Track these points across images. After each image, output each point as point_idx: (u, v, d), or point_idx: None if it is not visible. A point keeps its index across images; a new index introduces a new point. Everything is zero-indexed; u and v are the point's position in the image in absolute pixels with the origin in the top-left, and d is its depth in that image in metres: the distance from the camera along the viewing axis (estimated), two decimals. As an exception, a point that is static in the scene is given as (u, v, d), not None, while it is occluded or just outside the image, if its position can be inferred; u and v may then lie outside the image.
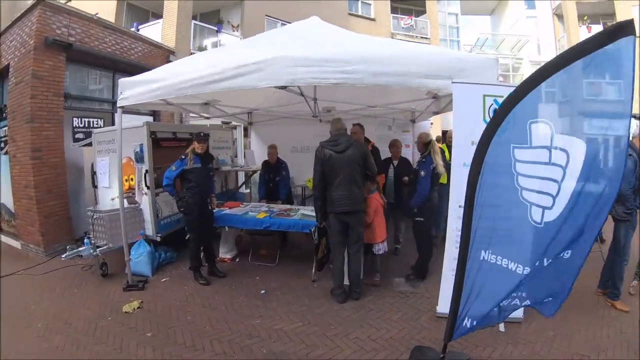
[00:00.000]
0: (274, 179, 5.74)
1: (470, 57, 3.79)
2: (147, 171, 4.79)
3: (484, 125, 3.17)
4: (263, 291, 4.03)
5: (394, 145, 5.02)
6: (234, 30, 11.42)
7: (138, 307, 3.65)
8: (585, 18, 15.75)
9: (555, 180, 1.90)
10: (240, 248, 5.33)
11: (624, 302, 3.57)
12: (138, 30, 9.01)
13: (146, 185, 4.82)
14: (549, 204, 1.93)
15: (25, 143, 5.31)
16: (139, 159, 4.86)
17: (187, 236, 4.50)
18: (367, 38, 4.29)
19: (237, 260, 5.07)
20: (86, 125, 6.27)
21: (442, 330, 3.07)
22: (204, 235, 4.36)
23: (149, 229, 4.85)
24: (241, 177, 8.01)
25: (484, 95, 3.21)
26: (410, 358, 2.78)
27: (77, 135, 6.14)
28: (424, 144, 4.26)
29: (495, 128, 2.08)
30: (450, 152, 5.75)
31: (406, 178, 4.78)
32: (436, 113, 5.98)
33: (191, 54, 9.10)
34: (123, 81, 3.95)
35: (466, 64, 3.29)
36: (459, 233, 3.21)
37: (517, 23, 17.50)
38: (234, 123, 8.02)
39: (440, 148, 4.45)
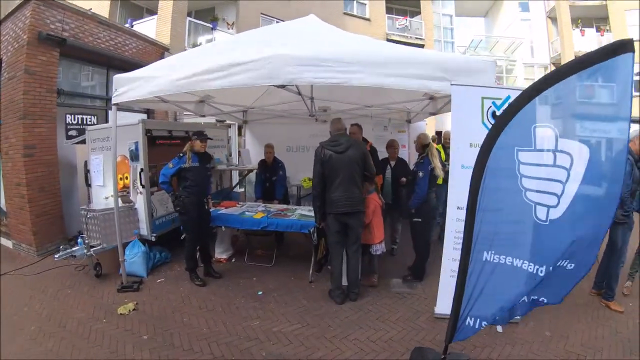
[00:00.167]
0: (270, 179, 5.69)
1: (468, 59, 3.80)
2: (142, 170, 4.71)
3: (483, 128, 3.29)
4: (260, 292, 4.00)
5: (392, 145, 5.02)
6: (229, 28, 11.33)
7: (133, 309, 3.59)
8: (578, 21, 15.92)
9: (560, 181, 1.97)
10: (236, 248, 5.29)
11: (618, 303, 3.64)
12: (132, 26, 8.87)
13: (141, 184, 4.73)
14: (554, 202, 2.00)
15: (18, 140, 5.19)
16: (134, 157, 4.78)
17: (183, 236, 4.44)
18: (365, 39, 4.29)
19: (233, 260, 5.03)
20: (79, 122, 6.15)
21: (440, 331, 3.15)
22: (200, 236, 4.30)
23: (144, 229, 4.78)
24: (235, 176, 7.95)
25: (483, 98, 3.25)
26: (410, 359, 2.78)
27: (70, 133, 6.01)
28: (423, 146, 4.27)
29: (498, 132, 2.10)
30: (446, 153, 5.83)
31: (404, 179, 4.79)
32: (433, 114, 6.01)
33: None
34: (118, 77, 3.88)
35: (465, 66, 3.31)
36: (457, 234, 3.30)
37: (511, 25, 17.66)
38: (228, 122, 7.95)
39: (436, 149, 4.47)
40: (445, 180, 4.33)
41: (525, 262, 2.13)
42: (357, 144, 3.76)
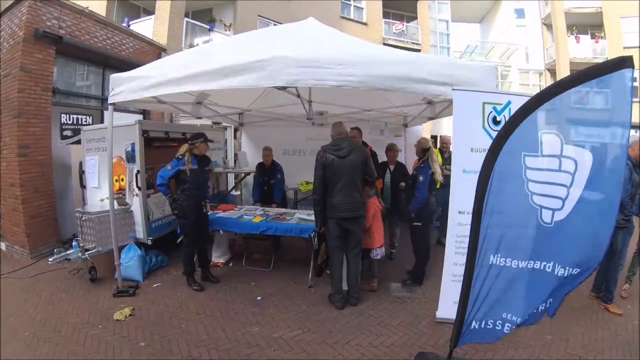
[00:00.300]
0: (268, 182, 5.63)
1: (470, 64, 3.81)
2: (138, 171, 4.64)
3: (483, 133, 3.30)
4: (259, 297, 3.94)
5: (391, 149, 5.01)
6: (226, 30, 11.30)
7: (130, 314, 3.50)
8: (573, 28, 16.14)
9: (565, 185, 2.05)
10: (233, 252, 5.22)
11: (617, 306, 3.69)
12: (129, 26, 8.79)
13: (137, 186, 4.66)
14: (558, 206, 2.07)
15: (12, 139, 5.08)
16: (130, 158, 4.71)
17: (179, 239, 4.38)
18: (366, 42, 4.28)
19: (231, 264, 4.95)
20: (74, 122, 6.05)
21: (442, 335, 3.16)
22: (198, 239, 4.23)
23: (140, 232, 4.70)
24: (231, 179, 7.89)
25: (484, 103, 3.26)
26: (413, 365, 2.76)
27: (64, 132, 5.90)
28: (423, 150, 4.26)
29: (506, 137, 2.14)
30: (443, 157, 5.85)
31: (403, 184, 4.78)
32: (431, 118, 6.01)
33: (182, 52, 8.95)
34: (115, 77, 3.81)
35: (466, 72, 3.32)
36: (458, 239, 3.29)
37: (507, 31, 17.85)
38: (224, 124, 7.89)
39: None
40: (444, 184, 4.36)
41: (530, 262, 2.18)
42: (359, 148, 3.73)
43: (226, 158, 7.16)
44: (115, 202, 4.22)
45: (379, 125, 7.13)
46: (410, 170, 5.12)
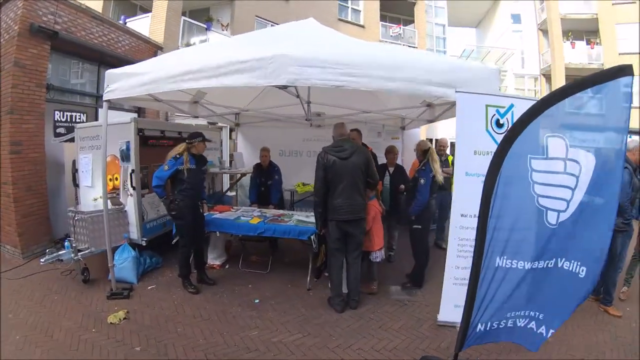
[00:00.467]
0: (265, 183, 5.57)
1: (473, 66, 3.78)
2: (133, 170, 4.53)
3: (487, 135, 3.28)
4: (257, 300, 3.86)
5: (391, 151, 4.98)
6: (223, 30, 11.22)
7: (124, 318, 3.40)
8: (569, 34, 16.28)
9: (569, 187, 2.11)
10: (229, 254, 5.13)
11: (616, 308, 3.72)
12: (125, 23, 8.65)
13: (132, 185, 4.55)
14: (563, 207, 2.13)
15: (4, 136, 4.94)
16: (125, 157, 4.60)
17: (174, 240, 4.28)
18: (368, 43, 4.24)
19: (227, 266, 4.86)
20: (68, 120, 5.93)
21: (445, 338, 3.15)
22: (195, 240, 4.14)
23: (134, 233, 4.59)
24: (226, 180, 7.80)
25: (487, 106, 3.24)
26: (417, 369, 2.72)
27: (58, 130, 5.79)
28: (423, 152, 4.23)
29: (512, 140, 2.15)
30: (440, 160, 5.82)
31: (403, 186, 4.74)
32: (430, 121, 5.99)
33: (179, 51, 8.86)
34: (110, 73, 3.71)
35: (470, 74, 3.29)
36: (460, 242, 3.27)
37: (503, 36, 17.98)
38: (220, 124, 7.80)
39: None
40: (441, 186, 4.33)
41: (536, 263, 2.22)
42: (361, 150, 3.68)
43: (222, 158, 7.09)
44: (108, 201, 4.11)
45: (377, 128, 7.11)
46: (408, 173, 5.11)
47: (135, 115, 7.05)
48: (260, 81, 3.00)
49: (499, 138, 3.25)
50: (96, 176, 4.79)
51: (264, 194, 5.58)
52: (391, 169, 5.00)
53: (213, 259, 4.85)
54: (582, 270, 2.11)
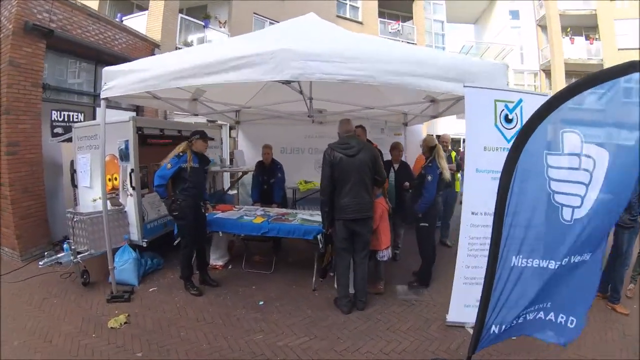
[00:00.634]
0: (268, 181, 5.45)
1: (481, 62, 3.71)
2: (132, 170, 4.43)
3: (495, 131, 3.21)
4: (261, 302, 3.77)
5: (396, 148, 4.89)
6: (221, 27, 11.11)
7: (125, 322, 3.30)
8: (568, 30, 16.27)
9: (583, 183, 2.08)
10: (232, 254, 5.04)
11: (623, 306, 3.67)
12: (122, 21, 8.54)
13: (131, 185, 4.46)
14: (578, 203, 2.10)
15: (0, 136, 4.83)
16: (124, 156, 4.49)
17: (176, 241, 4.19)
18: (372, 37, 4.15)
19: (230, 267, 4.77)
20: (65, 119, 5.82)
21: (454, 339, 3.08)
22: (197, 240, 4.05)
23: (134, 234, 4.49)
24: (226, 178, 7.70)
25: (495, 101, 3.17)
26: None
27: (55, 130, 5.68)
28: (430, 148, 4.15)
29: (528, 135, 2.11)
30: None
31: (407, 184, 4.66)
32: (433, 117, 5.91)
33: (177, 48, 8.76)
34: (108, 70, 3.60)
35: (478, 69, 3.22)
36: (471, 240, 3.19)
37: (502, 32, 17.94)
38: (219, 122, 7.70)
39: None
40: (446, 183, 4.25)
41: (550, 261, 2.18)
42: (368, 147, 3.59)
43: (222, 157, 6.99)
44: (108, 202, 4.02)
45: (379, 124, 7.03)
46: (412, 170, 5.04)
47: (134, 113, 6.99)
48: (264, 77, 2.92)
49: (508, 134, 3.21)
50: (95, 176, 4.70)
51: (267, 192, 5.47)
52: (396, 166, 4.92)
53: (215, 260, 4.76)
54: (593, 261, 2.15)
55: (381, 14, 16.86)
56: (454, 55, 5.01)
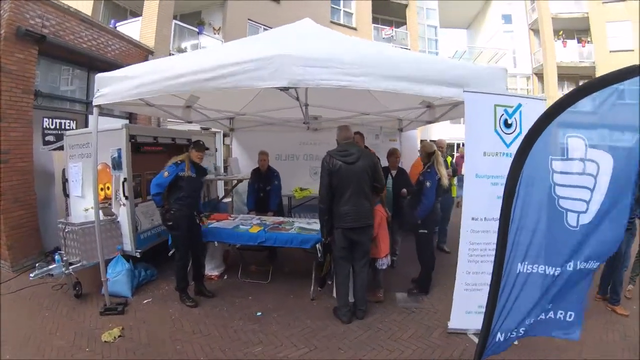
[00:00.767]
0: (264, 189, 5.35)
1: (480, 67, 3.69)
2: (125, 179, 4.34)
3: (495, 136, 3.19)
4: (259, 313, 3.68)
5: (393, 154, 4.85)
6: (215, 33, 11.08)
7: (119, 335, 3.20)
8: (560, 33, 16.48)
9: (588, 188, 2.06)
10: (228, 264, 4.95)
11: (623, 307, 3.69)
12: (115, 27, 8.47)
13: (124, 194, 4.36)
14: (583, 208, 2.08)
15: (-9, 144, 4.73)
16: (117, 165, 4.40)
17: (170, 252, 4.09)
18: (370, 42, 4.12)
19: (225, 277, 4.68)
20: (57, 127, 5.73)
21: (457, 347, 3.05)
22: (192, 250, 3.96)
23: (127, 244, 4.38)
24: (220, 186, 7.61)
25: (495, 105, 3.15)
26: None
27: (47, 138, 5.58)
28: (428, 154, 4.12)
29: (533, 140, 2.07)
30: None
31: (404, 190, 4.62)
32: (429, 122, 5.90)
33: (170, 54, 8.70)
34: (100, 77, 3.53)
35: (477, 73, 3.21)
36: (471, 246, 3.15)
37: (494, 37, 18.12)
38: (213, 129, 7.62)
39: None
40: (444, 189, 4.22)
41: (556, 268, 2.16)
42: (367, 154, 3.55)
43: (216, 164, 6.92)
44: (100, 212, 3.90)
45: (374, 130, 7.01)
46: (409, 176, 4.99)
47: (127, 121, 6.89)
48: (261, 83, 2.86)
49: (508, 139, 3.19)
50: (87, 185, 4.60)
51: (262, 200, 5.37)
52: (394, 172, 4.87)
53: (211, 270, 4.66)
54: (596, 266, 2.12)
55: (375, 20, 17.00)
56: (453, 60, 5.00)
